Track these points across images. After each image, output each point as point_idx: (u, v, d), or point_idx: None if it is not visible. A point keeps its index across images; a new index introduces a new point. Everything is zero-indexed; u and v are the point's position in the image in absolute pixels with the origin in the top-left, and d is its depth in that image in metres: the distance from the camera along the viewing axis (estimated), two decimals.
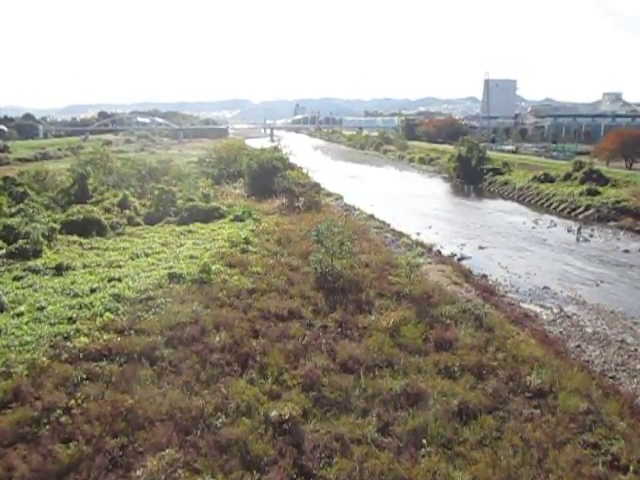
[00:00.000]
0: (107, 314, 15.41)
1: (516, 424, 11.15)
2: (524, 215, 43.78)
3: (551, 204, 46.69)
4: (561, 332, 18.50)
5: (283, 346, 13.97)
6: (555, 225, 39.28)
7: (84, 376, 12.10)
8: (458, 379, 12.85)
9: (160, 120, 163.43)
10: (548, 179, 52.23)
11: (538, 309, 20.98)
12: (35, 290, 18.12)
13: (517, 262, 28.38)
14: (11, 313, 15.87)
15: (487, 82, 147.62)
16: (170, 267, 20.04)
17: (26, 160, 76.32)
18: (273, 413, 10.85)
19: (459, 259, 28.22)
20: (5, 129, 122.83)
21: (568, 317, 20.11)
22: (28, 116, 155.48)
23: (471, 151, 64.16)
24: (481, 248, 31.51)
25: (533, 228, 38.23)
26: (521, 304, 21.35)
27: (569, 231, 36.93)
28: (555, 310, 20.90)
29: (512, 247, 32.07)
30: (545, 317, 20.09)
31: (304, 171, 47.46)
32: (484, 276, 25.01)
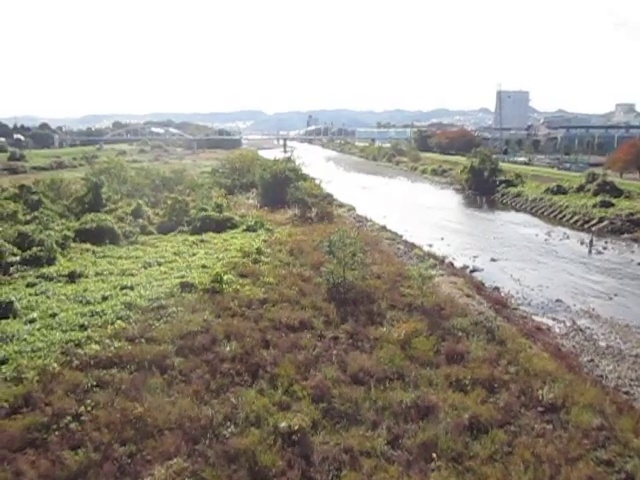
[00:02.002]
0: (118, 322, 15.48)
1: (528, 439, 10.99)
2: (537, 227, 43.50)
3: (564, 216, 46.34)
4: (574, 346, 18.28)
5: (294, 357, 13.93)
6: (568, 237, 38.96)
7: (94, 383, 12.16)
8: (469, 392, 12.71)
9: (174, 130, 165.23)
10: (561, 191, 51.91)
11: (551, 322, 20.78)
12: (48, 297, 18.29)
13: (529, 274, 28.16)
14: (24, 319, 16.04)
15: (499, 94, 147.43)
16: (182, 276, 20.13)
17: (42, 169, 77.45)
18: (282, 424, 10.80)
19: (471, 271, 28.08)
20: (22, 138, 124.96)
21: (581, 331, 19.88)
22: (44, 125, 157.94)
23: (483, 163, 64.00)
24: (493, 260, 31.32)
25: (546, 240, 37.95)
26: (533, 317, 21.15)
27: (582, 243, 36.60)
28: (568, 323, 20.68)
29: (524, 259, 31.83)
30: (558, 330, 19.88)
31: (317, 182, 47.59)
32: (496, 288, 24.84)
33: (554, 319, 21.19)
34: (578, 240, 37.74)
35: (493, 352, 14.85)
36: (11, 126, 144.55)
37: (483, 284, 24.73)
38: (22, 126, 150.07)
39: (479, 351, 14.83)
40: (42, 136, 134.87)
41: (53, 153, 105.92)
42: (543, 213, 49.45)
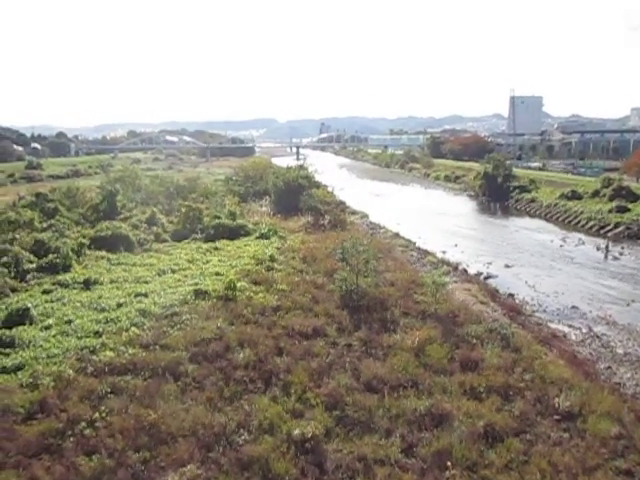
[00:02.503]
0: (133, 329, 15.60)
1: (544, 448, 10.84)
2: (552, 233, 43.10)
3: (579, 222, 45.89)
4: (591, 353, 18.03)
5: (307, 364, 13.91)
6: (583, 243, 38.55)
7: (109, 390, 12.24)
8: (484, 400, 12.58)
9: (188, 139, 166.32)
10: (576, 196, 51.43)
11: (566, 329, 20.52)
12: (63, 304, 18.47)
13: (545, 281, 27.88)
14: (40, 326, 16.23)
15: (513, 99, 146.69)
16: (196, 284, 20.22)
17: (58, 177, 78.44)
18: (296, 431, 10.77)
19: (485, 278, 27.85)
20: (39, 147, 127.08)
21: (598, 337, 19.60)
22: (61, 134, 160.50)
23: (497, 168, 63.66)
24: (507, 267, 31.07)
25: (561, 246, 37.58)
26: (549, 324, 20.91)
27: (598, 249, 36.19)
28: (584, 330, 20.41)
29: (539, 266, 31.53)
30: (574, 337, 19.63)
31: (329, 189, 47.63)
32: (511, 295, 24.61)
33: (570, 326, 20.93)
34: (594, 246, 37.32)
35: (508, 359, 14.71)
36: (29, 135, 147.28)
37: (497, 291, 24.53)
38: (39, 135, 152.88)
39: (494, 358, 14.70)
40: (58, 145, 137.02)
41: (69, 161, 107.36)
42: (558, 219, 49.01)
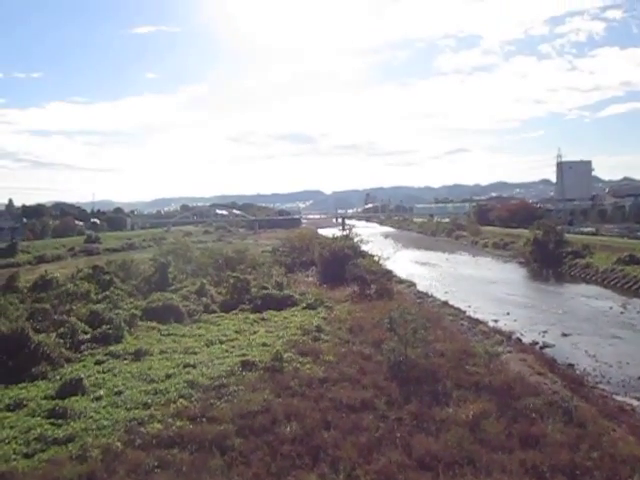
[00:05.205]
0: (181, 400, 15.59)
1: None
2: (610, 299, 41.20)
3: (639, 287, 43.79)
4: None
5: (356, 439, 13.42)
6: None
7: (156, 464, 12.08)
8: None
9: (237, 212, 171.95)
10: (634, 260, 49.38)
11: (635, 402, 19.12)
12: (114, 374, 18.76)
13: (606, 350, 26.38)
14: (91, 397, 16.46)
15: (560, 165, 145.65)
16: (243, 354, 20.24)
17: (114, 250, 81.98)
18: None
19: (541, 347, 26.64)
20: (98, 222, 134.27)
21: None
22: (118, 210, 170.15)
23: (548, 234, 62.35)
24: (565, 335, 29.68)
25: (621, 313, 35.77)
26: (614, 396, 19.57)
27: None
28: None
29: (599, 334, 29.97)
30: None
31: (375, 258, 47.58)
32: (570, 365, 23.35)
33: (639, 399, 19.53)
34: None
35: (572, 435, 13.77)
36: (89, 211, 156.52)
37: (555, 361, 23.33)
38: (99, 211, 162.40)
39: (556, 434, 13.80)
40: (116, 219, 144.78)
41: (125, 235, 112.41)
42: (616, 285, 47.00)
